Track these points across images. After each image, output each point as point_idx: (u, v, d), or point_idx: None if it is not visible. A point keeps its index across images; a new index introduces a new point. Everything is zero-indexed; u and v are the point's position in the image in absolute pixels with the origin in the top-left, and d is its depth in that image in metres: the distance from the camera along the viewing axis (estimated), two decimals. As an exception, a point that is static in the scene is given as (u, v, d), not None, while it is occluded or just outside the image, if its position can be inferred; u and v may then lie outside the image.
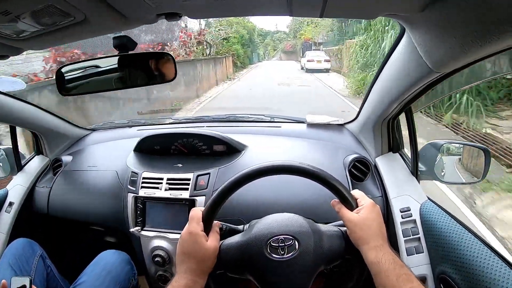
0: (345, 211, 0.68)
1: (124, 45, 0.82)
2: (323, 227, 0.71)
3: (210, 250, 0.65)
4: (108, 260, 1.04)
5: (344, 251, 0.68)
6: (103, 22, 0.62)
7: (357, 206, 0.69)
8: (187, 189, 1.06)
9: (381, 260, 0.61)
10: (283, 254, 0.65)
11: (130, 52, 0.83)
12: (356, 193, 0.72)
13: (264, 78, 15.28)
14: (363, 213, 0.66)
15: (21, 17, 0.57)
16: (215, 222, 0.70)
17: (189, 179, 1.08)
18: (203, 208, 0.69)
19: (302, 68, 19.41)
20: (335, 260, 0.68)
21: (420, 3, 0.51)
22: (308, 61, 17.71)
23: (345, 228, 0.69)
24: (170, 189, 1.07)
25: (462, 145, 1.11)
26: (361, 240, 0.65)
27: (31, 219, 1.28)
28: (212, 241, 0.66)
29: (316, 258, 0.66)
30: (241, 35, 21.91)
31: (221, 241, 0.69)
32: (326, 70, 17.03)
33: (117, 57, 0.85)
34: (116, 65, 0.86)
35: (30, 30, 0.63)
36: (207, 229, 0.67)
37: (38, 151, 1.41)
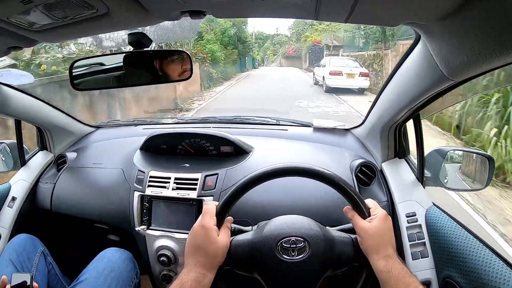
0: (358, 219, 0.69)
1: (139, 41, 0.82)
2: (334, 232, 0.72)
3: (221, 245, 0.65)
4: (110, 258, 1.02)
5: (353, 258, 0.69)
6: (125, 16, 0.61)
7: (369, 215, 0.70)
8: (194, 189, 1.06)
9: (391, 269, 0.62)
10: (293, 256, 0.66)
11: (145, 49, 0.83)
12: (369, 202, 0.73)
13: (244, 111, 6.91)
14: (376, 223, 0.68)
15: (40, 7, 0.56)
16: (228, 217, 0.70)
17: (197, 179, 1.07)
18: (217, 203, 0.69)
19: (316, 84, 12.59)
20: (343, 266, 0.69)
21: (441, 13, 0.53)
22: (331, 74, 10.59)
23: (355, 236, 0.69)
24: (178, 188, 1.07)
25: (466, 153, 1.13)
26: (372, 249, 0.66)
27: (34, 215, 1.26)
28: (224, 236, 0.66)
29: (324, 263, 0.67)
30: (222, 29, 14.88)
31: (232, 237, 0.70)
32: (361, 91, 10.46)
33: (132, 54, 0.85)
34: (132, 62, 0.86)
35: (48, 21, 0.62)
36: (219, 223, 0.67)
37: (42, 146, 1.39)
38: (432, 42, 0.65)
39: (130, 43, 0.83)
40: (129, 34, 0.82)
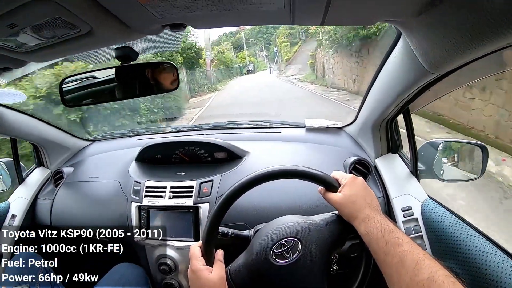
0: (329, 195, 0.71)
1: (126, 55, 0.83)
2: (317, 217, 0.73)
3: (216, 281, 0.65)
4: (123, 274, 1.03)
5: (345, 232, 0.70)
6: (108, 34, 0.63)
7: (340, 186, 0.71)
8: (190, 196, 1.07)
9: (369, 230, 0.63)
10: (289, 257, 0.67)
11: (132, 63, 0.84)
12: (335, 174, 0.74)
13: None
14: (345, 191, 0.69)
15: (26, 30, 0.58)
16: (217, 251, 0.71)
17: (192, 187, 1.09)
18: (200, 243, 0.70)
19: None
20: (340, 244, 0.70)
21: (416, 8, 0.54)
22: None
23: (337, 212, 0.71)
24: (174, 197, 1.08)
25: (459, 143, 1.13)
26: (350, 216, 0.67)
27: (34, 232, 1.27)
28: (217, 271, 0.67)
29: (322, 249, 0.68)
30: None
31: (229, 266, 0.71)
32: None
33: (120, 68, 0.86)
34: (119, 76, 0.87)
35: (35, 42, 0.64)
36: (209, 261, 0.68)
37: (39, 163, 1.40)
38: (411, 38, 0.66)
39: (117, 58, 0.84)
40: (115, 49, 0.83)
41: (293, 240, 0.68)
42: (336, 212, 0.72)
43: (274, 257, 0.67)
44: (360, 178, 0.72)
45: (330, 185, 0.71)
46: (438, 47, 0.59)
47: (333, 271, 0.72)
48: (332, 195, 0.70)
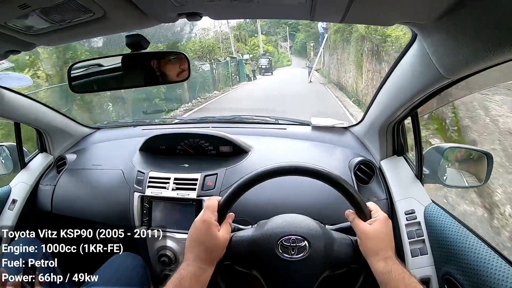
0: (359, 222, 0.69)
1: (137, 43, 0.82)
2: (334, 233, 0.72)
3: (222, 240, 0.65)
4: (120, 264, 1.02)
5: (351, 260, 0.69)
6: (122, 20, 0.62)
7: (370, 217, 0.70)
8: (194, 189, 1.07)
9: (391, 270, 0.63)
10: (293, 254, 0.66)
11: (142, 51, 0.83)
12: (370, 205, 0.73)
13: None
14: (376, 226, 0.68)
15: (39, 11, 0.57)
16: (229, 214, 0.70)
17: (196, 179, 1.08)
18: (219, 198, 0.70)
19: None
20: (341, 267, 0.70)
21: (436, 13, 0.53)
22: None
23: (355, 238, 0.70)
24: (177, 189, 1.07)
25: (464, 150, 1.13)
26: (372, 251, 0.66)
27: (35, 217, 1.27)
28: (224, 232, 0.67)
29: (324, 262, 0.68)
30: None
31: (233, 233, 0.70)
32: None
33: (128, 56, 0.85)
34: (126, 64, 0.86)
35: (46, 25, 0.63)
36: (220, 219, 0.68)
37: (42, 148, 1.40)
38: (428, 41, 0.65)
39: (128, 45, 0.83)
40: (126, 36, 0.82)
41: (304, 241, 0.67)
42: (354, 238, 0.71)
43: (279, 248, 0.67)
44: (390, 221, 0.71)
45: (362, 212, 0.70)
46: (455, 53, 0.58)
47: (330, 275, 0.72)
48: (363, 224, 0.68)
